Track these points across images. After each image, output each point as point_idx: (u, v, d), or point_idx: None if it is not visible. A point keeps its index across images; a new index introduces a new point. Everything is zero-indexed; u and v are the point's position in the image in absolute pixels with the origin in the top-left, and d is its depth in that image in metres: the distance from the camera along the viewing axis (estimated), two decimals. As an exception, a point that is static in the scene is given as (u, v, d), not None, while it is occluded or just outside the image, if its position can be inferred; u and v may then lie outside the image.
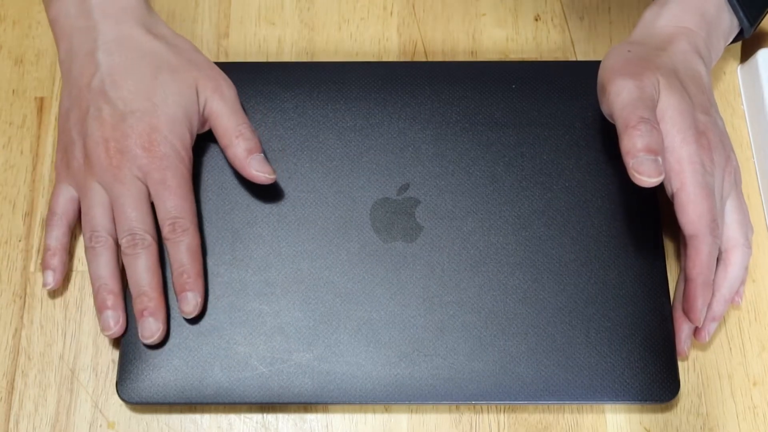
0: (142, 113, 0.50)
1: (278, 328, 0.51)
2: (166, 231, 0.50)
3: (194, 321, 0.51)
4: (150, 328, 0.49)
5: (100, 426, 0.51)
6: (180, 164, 0.50)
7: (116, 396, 0.51)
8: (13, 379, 0.52)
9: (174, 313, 0.51)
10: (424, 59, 0.61)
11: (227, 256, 0.53)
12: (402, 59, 0.61)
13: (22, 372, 0.52)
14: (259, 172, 0.51)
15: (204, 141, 0.55)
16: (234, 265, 0.52)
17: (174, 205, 0.49)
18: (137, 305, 0.50)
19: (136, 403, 0.50)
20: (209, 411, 0.52)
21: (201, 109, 0.52)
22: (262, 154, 0.52)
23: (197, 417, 0.52)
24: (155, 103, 0.50)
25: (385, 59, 0.61)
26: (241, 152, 0.51)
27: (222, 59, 0.61)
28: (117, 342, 0.52)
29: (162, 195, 0.49)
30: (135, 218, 0.49)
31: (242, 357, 0.50)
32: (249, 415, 0.52)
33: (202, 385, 0.50)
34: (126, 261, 0.50)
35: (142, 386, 0.50)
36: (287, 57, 0.61)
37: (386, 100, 0.57)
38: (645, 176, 0.45)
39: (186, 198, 0.50)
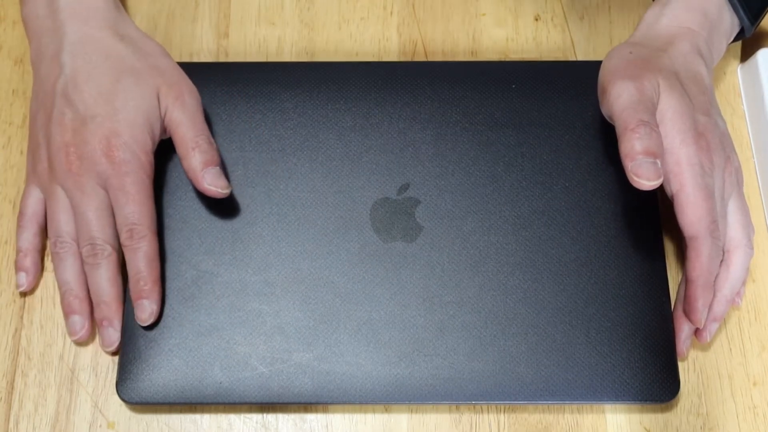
0: (102, 118, 0.50)
1: (278, 328, 0.51)
2: (123, 237, 0.49)
3: (194, 325, 0.51)
4: (110, 338, 0.51)
5: (100, 426, 0.51)
6: (140, 170, 0.50)
7: (116, 396, 0.51)
8: (13, 379, 0.52)
9: (175, 314, 0.51)
10: (424, 59, 0.61)
11: (227, 256, 0.53)
12: (402, 59, 0.61)
13: (22, 372, 0.52)
14: (211, 185, 0.50)
15: (204, 141, 0.55)
16: (234, 265, 0.52)
17: (132, 211, 0.49)
18: (97, 314, 0.51)
19: (136, 403, 0.50)
20: (209, 411, 0.52)
21: (162, 116, 0.51)
22: (218, 167, 0.51)
23: (197, 417, 0.52)
24: (116, 108, 0.50)
25: (385, 59, 0.61)
26: (196, 164, 0.50)
27: (222, 59, 0.61)
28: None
29: (120, 201, 0.49)
30: (95, 228, 0.49)
31: (242, 357, 0.50)
32: (249, 415, 0.52)
33: (202, 385, 0.50)
34: (86, 269, 0.50)
35: (142, 386, 0.50)
36: (287, 57, 0.61)
37: (386, 100, 0.57)
38: (644, 179, 0.45)
39: (144, 204, 0.50)
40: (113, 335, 0.50)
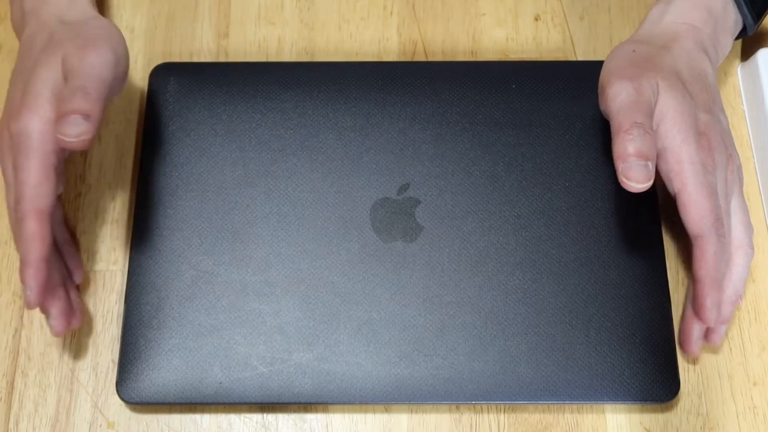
0: (11, 102, 0.49)
1: (278, 328, 0.51)
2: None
3: (194, 325, 0.51)
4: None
5: (100, 426, 0.51)
6: (34, 146, 0.48)
7: (116, 396, 0.51)
8: (13, 379, 0.52)
9: (175, 314, 0.51)
10: (424, 59, 0.61)
11: (227, 256, 0.53)
12: (402, 59, 0.61)
13: (22, 372, 0.52)
14: (61, 135, 0.47)
15: (203, 141, 0.55)
16: (234, 265, 0.52)
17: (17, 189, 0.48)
18: None
19: (136, 403, 0.50)
20: (209, 411, 0.52)
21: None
22: (80, 117, 0.47)
23: (197, 417, 0.52)
24: (24, 89, 0.49)
25: (385, 59, 0.61)
26: (61, 111, 0.47)
27: (222, 59, 0.61)
28: (117, 342, 0.53)
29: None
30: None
31: (242, 357, 0.50)
32: (249, 415, 0.52)
33: (202, 385, 0.50)
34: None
35: (142, 386, 0.50)
36: (287, 57, 0.61)
37: (386, 100, 0.57)
38: (633, 181, 0.45)
39: (26, 183, 0.48)
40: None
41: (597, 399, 0.50)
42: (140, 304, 0.52)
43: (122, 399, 0.50)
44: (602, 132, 0.56)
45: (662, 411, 0.52)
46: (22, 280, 0.47)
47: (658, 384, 0.50)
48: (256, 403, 0.51)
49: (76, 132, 0.46)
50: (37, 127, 0.47)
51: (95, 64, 0.49)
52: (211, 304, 0.52)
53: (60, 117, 0.46)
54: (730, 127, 0.59)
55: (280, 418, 0.52)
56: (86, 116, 0.46)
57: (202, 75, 0.57)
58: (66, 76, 0.48)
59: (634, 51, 0.50)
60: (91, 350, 0.53)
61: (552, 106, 0.56)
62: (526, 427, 0.52)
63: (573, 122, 0.56)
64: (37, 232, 0.47)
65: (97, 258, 0.55)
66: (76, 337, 0.53)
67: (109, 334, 0.53)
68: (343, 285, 0.52)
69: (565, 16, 0.63)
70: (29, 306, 0.47)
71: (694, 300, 0.48)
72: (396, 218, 0.54)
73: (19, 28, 0.54)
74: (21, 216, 0.47)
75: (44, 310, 0.50)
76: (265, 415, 0.52)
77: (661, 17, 0.53)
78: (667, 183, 0.47)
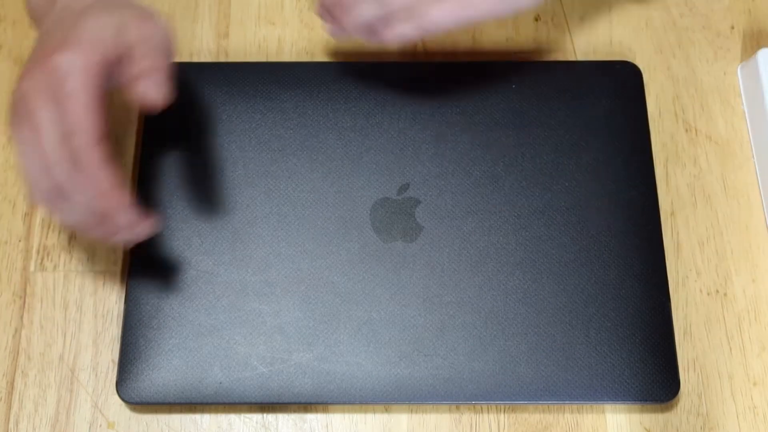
0: (53, 38, 0.48)
1: (278, 328, 0.51)
2: None
3: (194, 325, 0.51)
4: None
5: (100, 426, 0.51)
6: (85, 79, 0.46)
7: (116, 396, 0.51)
8: (13, 379, 0.52)
9: (175, 314, 0.51)
10: (424, 59, 0.61)
11: (227, 256, 0.53)
12: (402, 59, 0.61)
13: (22, 372, 0.52)
14: (147, 91, 0.46)
15: (204, 143, 0.55)
16: (234, 265, 0.52)
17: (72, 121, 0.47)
18: None
19: (136, 403, 0.50)
20: (209, 411, 0.52)
21: (127, 34, 0.48)
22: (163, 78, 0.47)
23: (197, 417, 0.52)
24: (75, 29, 0.47)
25: (385, 59, 0.61)
26: (140, 70, 0.47)
27: (222, 59, 0.61)
28: (117, 342, 0.53)
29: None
30: None
31: (242, 357, 0.50)
32: (249, 415, 0.52)
33: (202, 385, 0.50)
34: None
35: (142, 386, 0.50)
36: (287, 57, 0.61)
37: (386, 100, 0.57)
38: None
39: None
40: None
41: (597, 399, 0.50)
42: (140, 304, 0.52)
43: (122, 399, 0.50)
44: (602, 132, 0.56)
45: (662, 411, 0.52)
46: (115, 208, 0.44)
47: (658, 384, 0.50)
48: (256, 403, 0.51)
49: (157, 91, 0.46)
50: (85, 62, 0.45)
51: (157, 34, 0.48)
52: (211, 304, 0.52)
53: (142, 74, 0.46)
54: (730, 127, 0.59)
55: (280, 418, 0.52)
56: (167, 77, 0.46)
57: (202, 75, 0.57)
58: (130, 44, 0.47)
59: None
60: (91, 350, 0.53)
61: (552, 106, 0.56)
62: (526, 427, 0.52)
63: (573, 122, 0.56)
64: (107, 156, 0.45)
65: (97, 258, 0.55)
66: (75, 337, 0.53)
67: (109, 334, 0.53)
68: (343, 285, 0.52)
69: (565, 16, 0.63)
70: (152, 228, 0.46)
71: None
72: (396, 218, 0.54)
73: (40, 12, 0.51)
74: (82, 146, 0.44)
75: (137, 224, 0.47)
76: (265, 415, 0.52)
77: None
78: None
